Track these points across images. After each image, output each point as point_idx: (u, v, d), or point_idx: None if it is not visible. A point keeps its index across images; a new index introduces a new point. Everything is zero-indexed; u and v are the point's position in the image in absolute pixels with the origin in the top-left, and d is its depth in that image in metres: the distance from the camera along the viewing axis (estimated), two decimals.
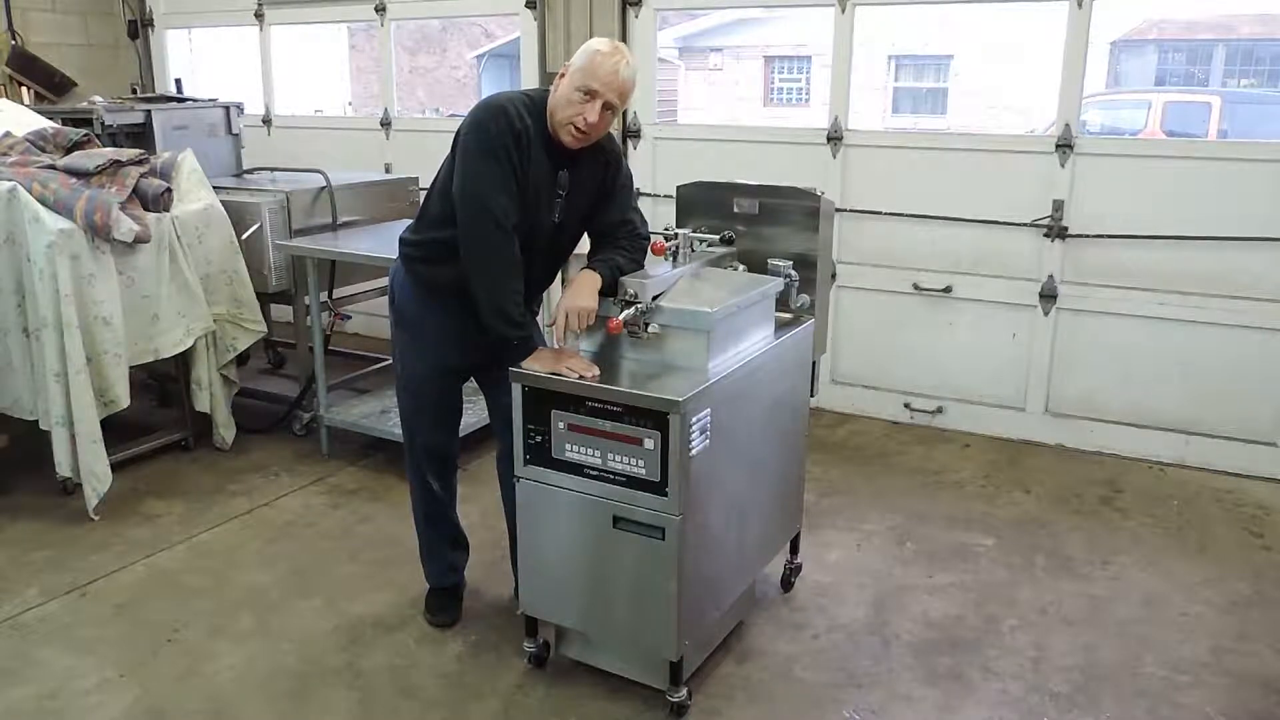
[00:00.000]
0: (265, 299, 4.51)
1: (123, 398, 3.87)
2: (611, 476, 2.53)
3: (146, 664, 2.93)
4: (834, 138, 4.73)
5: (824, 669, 2.92)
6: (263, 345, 5.27)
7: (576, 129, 2.60)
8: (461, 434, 3.15)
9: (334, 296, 4.47)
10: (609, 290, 2.64)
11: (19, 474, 4.11)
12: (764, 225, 3.13)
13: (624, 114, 5.03)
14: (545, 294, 3.08)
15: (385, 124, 6.03)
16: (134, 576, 3.42)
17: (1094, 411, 4.50)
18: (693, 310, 2.57)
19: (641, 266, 2.76)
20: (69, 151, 4.10)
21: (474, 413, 3.86)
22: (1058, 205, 4.35)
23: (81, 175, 3.82)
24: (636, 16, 5.04)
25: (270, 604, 3.25)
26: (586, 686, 2.81)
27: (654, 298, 2.59)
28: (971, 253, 4.58)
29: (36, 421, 3.80)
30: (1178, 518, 3.89)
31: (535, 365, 2.60)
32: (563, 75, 2.64)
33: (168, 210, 4.03)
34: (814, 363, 3.18)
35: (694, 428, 2.44)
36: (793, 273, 3.00)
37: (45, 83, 6.29)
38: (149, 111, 4.98)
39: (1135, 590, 3.36)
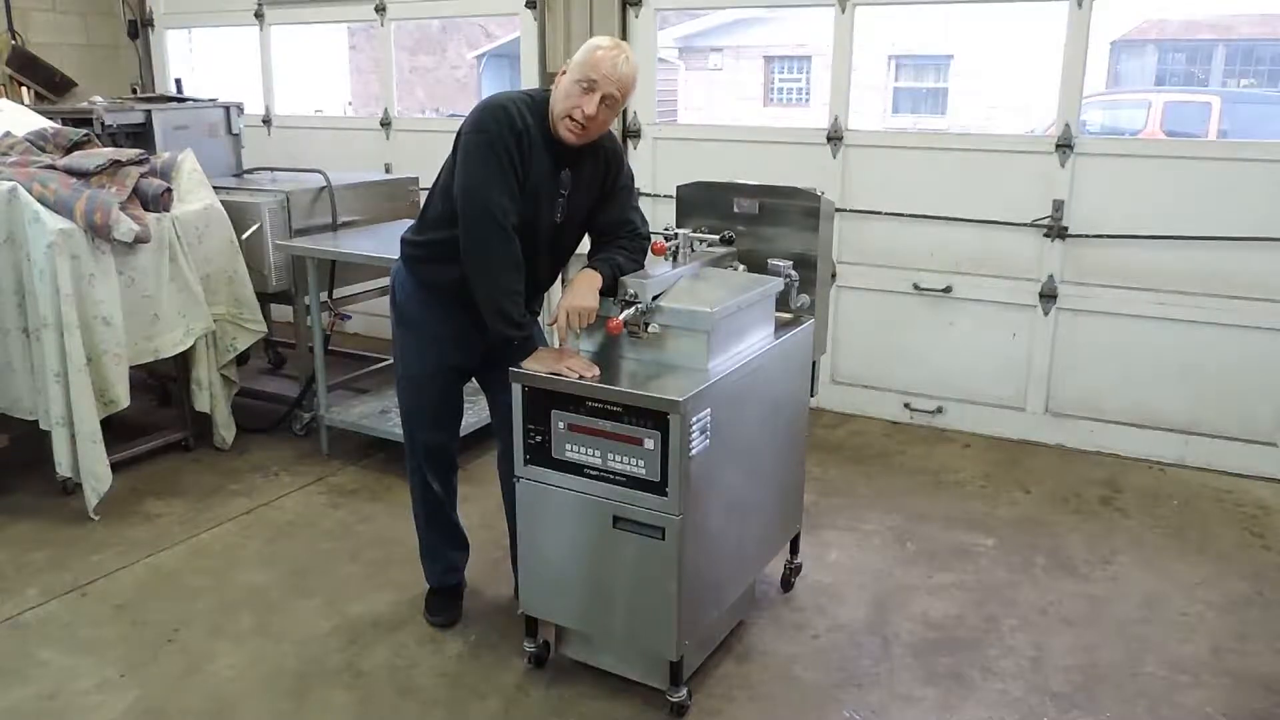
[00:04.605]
0: (265, 299, 4.51)
1: (123, 398, 3.87)
2: (611, 476, 2.53)
3: (146, 664, 2.93)
4: (834, 138, 4.73)
5: (824, 669, 2.92)
6: (263, 345, 5.27)
7: (573, 120, 2.59)
8: (461, 434, 3.15)
9: (334, 296, 4.47)
10: (609, 290, 2.64)
11: (19, 474, 4.11)
12: (764, 225, 3.13)
13: (624, 114, 5.03)
14: (546, 294, 3.07)
15: (385, 124, 6.02)
16: (134, 576, 3.42)
17: (1094, 411, 4.50)
18: (693, 310, 2.57)
19: (642, 266, 2.76)
20: (69, 151, 4.10)
21: (474, 413, 3.86)
22: (1058, 205, 4.35)
23: (81, 175, 3.82)
24: (636, 16, 5.04)
25: (270, 604, 3.25)
26: (586, 686, 2.81)
27: (654, 298, 2.60)
28: (971, 253, 4.58)
29: (36, 421, 3.80)
30: (1178, 518, 3.89)
31: (535, 365, 2.60)
32: (563, 73, 2.65)
33: (168, 210, 4.03)
34: (814, 363, 3.18)
35: (694, 428, 2.44)
36: (793, 273, 3.00)
37: (45, 83, 6.28)
38: (149, 111, 4.98)
39: (1135, 590, 3.36)
